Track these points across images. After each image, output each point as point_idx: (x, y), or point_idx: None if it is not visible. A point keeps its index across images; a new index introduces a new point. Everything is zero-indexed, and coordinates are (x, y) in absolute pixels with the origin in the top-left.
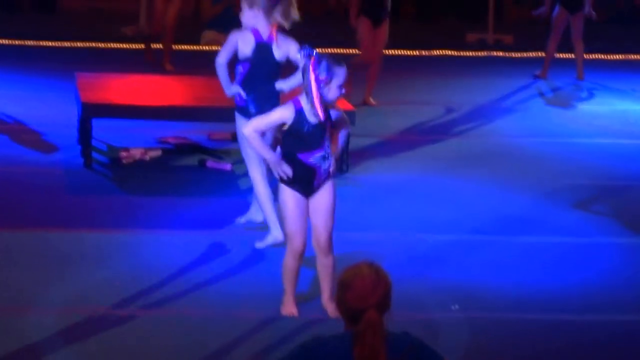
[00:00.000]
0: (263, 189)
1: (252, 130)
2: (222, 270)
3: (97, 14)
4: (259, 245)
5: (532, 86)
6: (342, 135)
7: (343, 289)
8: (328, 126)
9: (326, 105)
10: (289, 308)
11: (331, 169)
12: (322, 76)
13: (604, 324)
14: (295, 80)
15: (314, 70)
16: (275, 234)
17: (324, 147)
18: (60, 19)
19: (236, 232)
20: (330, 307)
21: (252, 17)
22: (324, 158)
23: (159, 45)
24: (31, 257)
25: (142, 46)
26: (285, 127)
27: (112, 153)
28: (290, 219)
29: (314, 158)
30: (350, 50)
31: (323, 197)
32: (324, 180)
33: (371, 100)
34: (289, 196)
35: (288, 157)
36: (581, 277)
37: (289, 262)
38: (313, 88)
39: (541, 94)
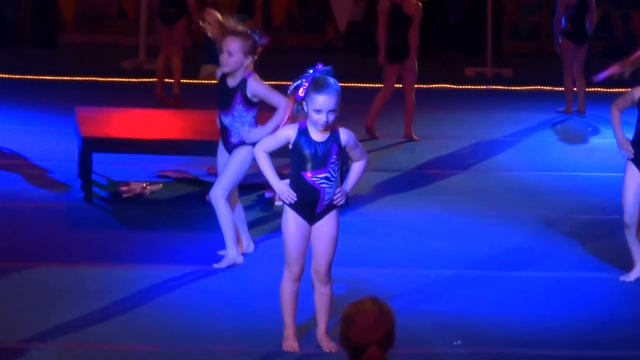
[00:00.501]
0: (224, 208)
1: (261, 150)
2: (223, 305)
3: (96, 49)
4: (217, 266)
5: (532, 119)
6: (357, 168)
7: (346, 324)
8: (333, 149)
9: (325, 127)
10: (290, 342)
11: (337, 199)
12: (301, 93)
13: (604, 359)
14: None
15: (300, 86)
16: (231, 256)
17: (327, 168)
18: (60, 54)
19: (236, 266)
20: (325, 343)
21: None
22: (328, 180)
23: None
24: (31, 291)
25: (142, 80)
26: (290, 146)
27: (112, 187)
28: (291, 244)
29: (317, 178)
30: (351, 83)
31: (326, 226)
32: (328, 208)
33: (413, 135)
34: (292, 221)
35: (292, 174)
36: (582, 312)
37: (287, 285)
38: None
39: (541, 129)
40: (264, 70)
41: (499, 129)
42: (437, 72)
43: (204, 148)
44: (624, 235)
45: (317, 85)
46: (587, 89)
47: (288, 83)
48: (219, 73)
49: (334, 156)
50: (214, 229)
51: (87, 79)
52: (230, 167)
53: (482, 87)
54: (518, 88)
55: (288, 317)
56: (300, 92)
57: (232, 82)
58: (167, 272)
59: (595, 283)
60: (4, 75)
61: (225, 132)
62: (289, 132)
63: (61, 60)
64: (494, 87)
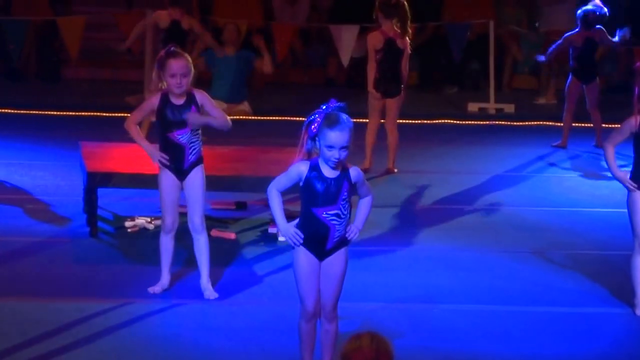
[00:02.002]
0: (165, 239)
1: (274, 189)
2: (232, 341)
3: (101, 84)
4: (151, 290)
5: (534, 156)
6: (366, 204)
7: None
8: (345, 185)
9: (337, 164)
10: None
11: (350, 235)
12: (314, 129)
13: None
14: None
15: (313, 122)
16: (163, 281)
17: (338, 205)
18: (64, 88)
19: (243, 302)
20: None
21: None
22: (339, 217)
23: None
24: (36, 327)
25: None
26: (302, 183)
27: (118, 222)
28: (302, 281)
29: (327, 214)
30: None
31: (335, 264)
32: (337, 245)
33: (394, 169)
34: (303, 258)
35: (302, 210)
36: (587, 348)
37: (302, 325)
38: (302, 140)
39: (543, 164)
40: (268, 104)
41: (500, 164)
42: (440, 107)
43: (208, 183)
44: (630, 268)
45: (330, 122)
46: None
47: (291, 118)
48: (153, 96)
49: (345, 193)
50: (218, 263)
51: (91, 114)
52: (200, 192)
53: (484, 122)
54: (520, 123)
55: (306, 355)
56: (313, 128)
57: (179, 101)
58: (173, 307)
59: (604, 318)
60: (8, 110)
61: (180, 152)
62: (301, 169)
63: (65, 94)
64: (496, 122)
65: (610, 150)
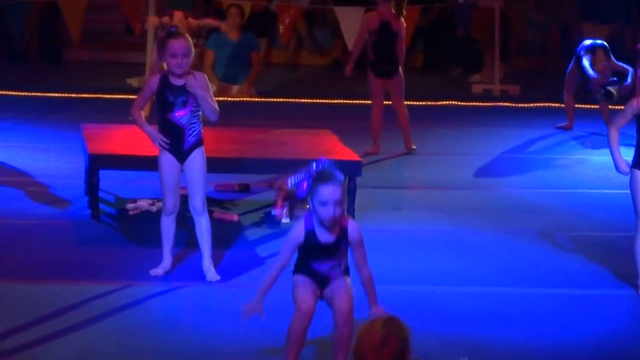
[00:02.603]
0: (166, 221)
1: (279, 265)
2: (231, 323)
3: (102, 65)
4: (153, 272)
5: (539, 137)
6: (370, 281)
7: (356, 342)
8: (342, 244)
9: (333, 222)
10: None
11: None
12: (305, 188)
13: None
14: None
15: (303, 180)
16: (165, 264)
17: (336, 259)
18: (65, 70)
19: (245, 284)
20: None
21: None
22: (338, 266)
23: None
24: (38, 309)
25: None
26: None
27: (119, 204)
28: (300, 288)
29: (323, 267)
30: (358, 101)
31: (339, 289)
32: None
33: (412, 146)
34: (300, 279)
35: (300, 261)
36: (591, 329)
37: (294, 325)
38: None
39: (547, 146)
40: (272, 86)
41: (505, 145)
42: (444, 88)
43: (211, 165)
44: (634, 247)
45: (321, 177)
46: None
47: (295, 99)
48: (152, 78)
49: (343, 250)
50: (220, 245)
51: (93, 96)
52: (201, 174)
53: (488, 103)
54: (525, 105)
55: (289, 354)
56: (304, 187)
57: (178, 82)
58: (175, 290)
59: (607, 300)
60: (10, 92)
61: (180, 133)
62: (298, 232)
63: (67, 76)
64: (501, 103)
65: (613, 133)
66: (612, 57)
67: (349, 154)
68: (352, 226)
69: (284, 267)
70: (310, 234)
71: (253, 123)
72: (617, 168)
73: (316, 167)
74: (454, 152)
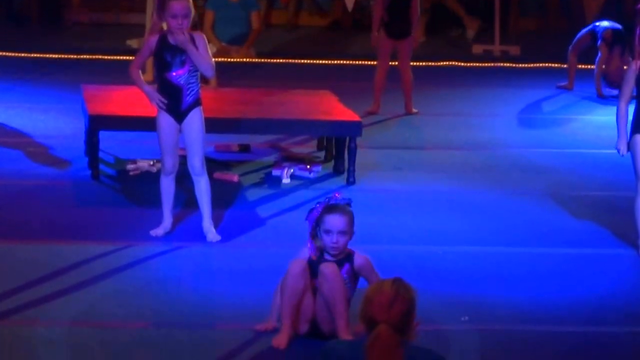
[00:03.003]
0: (165, 182)
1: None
2: (231, 283)
3: (102, 27)
4: (153, 232)
5: (540, 97)
6: None
7: (365, 301)
8: (344, 268)
9: (337, 252)
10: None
11: None
12: (314, 216)
13: (613, 336)
14: None
15: (315, 209)
16: (166, 224)
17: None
18: (65, 31)
19: (245, 244)
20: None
21: None
22: None
23: None
24: (39, 270)
25: None
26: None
27: (120, 165)
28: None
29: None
30: (358, 62)
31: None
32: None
33: (412, 109)
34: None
35: None
36: (592, 289)
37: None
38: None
39: (548, 106)
40: (273, 47)
41: (506, 105)
42: (444, 49)
43: (210, 125)
44: (634, 208)
45: (329, 208)
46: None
47: (296, 60)
48: (150, 37)
49: (344, 276)
50: (220, 206)
51: (93, 57)
52: (199, 134)
53: (489, 64)
54: (525, 65)
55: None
56: (314, 213)
57: (174, 40)
58: (175, 250)
59: (608, 259)
60: (10, 54)
61: (178, 93)
62: (300, 265)
63: (67, 37)
64: (502, 64)
65: (622, 108)
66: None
67: (348, 115)
68: (359, 256)
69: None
70: (312, 264)
71: (253, 84)
72: (617, 145)
73: (330, 200)
74: (455, 112)
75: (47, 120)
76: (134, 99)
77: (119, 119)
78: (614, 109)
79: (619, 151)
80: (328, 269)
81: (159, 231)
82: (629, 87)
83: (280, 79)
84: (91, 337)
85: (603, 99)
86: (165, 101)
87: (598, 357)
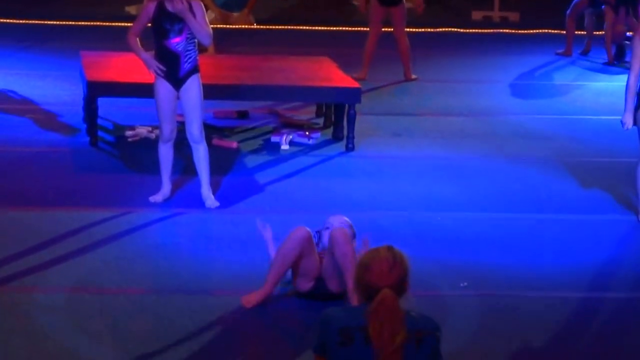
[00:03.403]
0: (163, 149)
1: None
2: (230, 249)
3: None
4: (152, 199)
5: (538, 63)
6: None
7: (362, 269)
8: None
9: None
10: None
11: None
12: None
13: (613, 301)
14: None
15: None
16: (165, 190)
17: None
18: None
19: (244, 210)
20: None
21: None
22: None
23: None
24: (37, 236)
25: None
26: None
27: (118, 131)
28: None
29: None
30: (357, 28)
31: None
32: None
33: (412, 76)
34: None
35: None
36: (590, 254)
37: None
38: None
39: (548, 72)
40: (273, 13)
41: (505, 72)
42: (444, 16)
43: (209, 92)
44: (635, 174)
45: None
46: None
47: (293, 27)
48: (149, 4)
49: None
50: (219, 172)
51: (91, 23)
52: (197, 101)
53: (488, 30)
54: (524, 32)
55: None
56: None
57: (174, 9)
58: (173, 216)
59: (605, 225)
60: (8, 20)
61: (176, 60)
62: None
63: (66, 4)
64: (501, 30)
65: (632, 80)
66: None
67: (347, 81)
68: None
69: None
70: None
71: (252, 50)
72: (622, 118)
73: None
74: (454, 79)
75: (46, 87)
76: (133, 65)
77: (118, 86)
78: (613, 76)
79: (623, 125)
80: (339, 232)
81: (157, 197)
82: (637, 59)
83: (279, 45)
84: (90, 304)
85: (607, 67)
86: (164, 68)
87: (597, 322)
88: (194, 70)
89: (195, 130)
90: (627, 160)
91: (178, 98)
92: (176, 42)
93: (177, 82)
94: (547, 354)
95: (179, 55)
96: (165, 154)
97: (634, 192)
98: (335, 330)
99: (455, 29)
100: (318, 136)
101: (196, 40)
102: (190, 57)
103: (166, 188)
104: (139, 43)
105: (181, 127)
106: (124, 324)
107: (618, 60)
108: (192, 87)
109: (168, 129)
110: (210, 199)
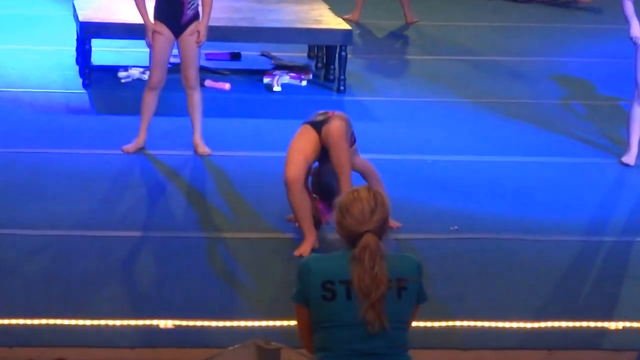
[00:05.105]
0: (149, 96)
1: None
2: (225, 191)
3: None
4: (124, 149)
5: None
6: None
7: (341, 212)
8: None
9: None
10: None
11: None
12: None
13: (601, 245)
14: None
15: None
16: (139, 140)
17: None
18: None
19: (237, 150)
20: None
21: None
22: None
23: None
24: (30, 177)
25: None
26: None
27: (111, 73)
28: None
29: None
30: None
31: None
32: None
33: (413, 19)
34: None
35: None
36: (580, 197)
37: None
38: None
39: (541, 14)
40: None
41: (502, 14)
42: None
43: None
44: (629, 117)
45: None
46: None
47: None
48: None
49: None
50: (212, 114)
51: None
52: (195, 51)
53: None
54: None
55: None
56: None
57: None
58: (166, 157)
59: (594, 168)
60: None
61: (179, 7)
62: None
63: None
64: None
65: (629, 4)
66: None
67: (339, 23)
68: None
69: None
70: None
71: None
72: (631, 33)
73: None
74: (449, 19)
75: (39, 27)
76: (126, 6)
77: (111, 26)
78: (599, 16)
79: (633, 36)
80: (334, 125)
81: (130, 147)
82: None
83: None
84: (86, 244)
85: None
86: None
87: (584, 264)
88: (196, 17)
89: (192, 75)
90: (619, 103)
91: (173, 46)
92: None
93: (179, 28)
94: (541, 296)
95: (183, 2)
96: (150, 102)
97: (614, 134)
98: (317, 283)
99: None
100: (310, 78)
101: None
102: (193, 5)
103: (141, 138)
104: (145, 5)
105: (176, 69)
106: (119, 264)
107: None
108: (193, 35)
109: (158, 76)
110: (201, 146)
